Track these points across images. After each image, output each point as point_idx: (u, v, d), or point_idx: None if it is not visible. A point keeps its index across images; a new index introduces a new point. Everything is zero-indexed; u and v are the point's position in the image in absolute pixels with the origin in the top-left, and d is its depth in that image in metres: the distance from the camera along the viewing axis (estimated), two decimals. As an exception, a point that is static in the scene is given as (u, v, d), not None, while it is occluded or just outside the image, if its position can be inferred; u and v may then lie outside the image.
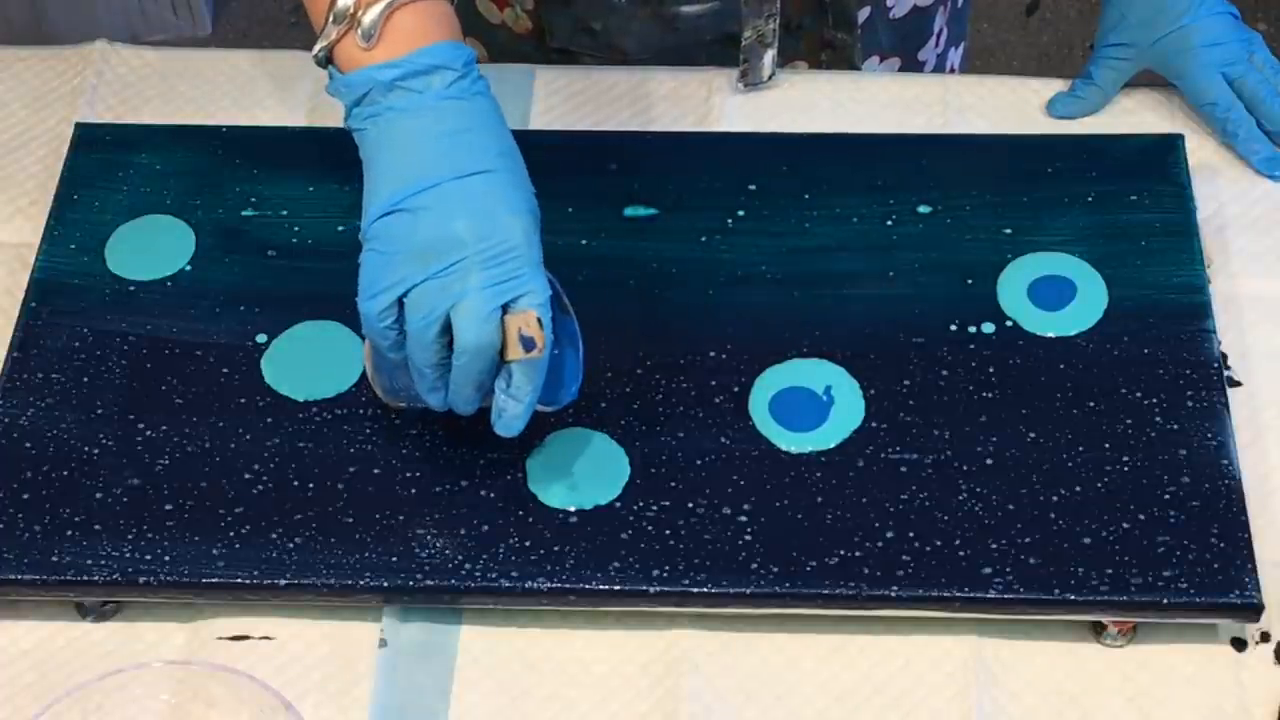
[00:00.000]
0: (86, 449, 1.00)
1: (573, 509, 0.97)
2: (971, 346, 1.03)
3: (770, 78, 1.18)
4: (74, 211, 1.10)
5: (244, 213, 1.09)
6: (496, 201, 0.92)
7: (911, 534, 0.96)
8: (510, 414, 0.93)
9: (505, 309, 0.90)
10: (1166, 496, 0.96)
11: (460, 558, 0.95)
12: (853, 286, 1.06)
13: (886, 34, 1.26)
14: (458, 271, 0.90)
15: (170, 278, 1.07)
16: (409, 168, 0.92)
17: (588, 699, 0.94)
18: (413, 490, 0.98)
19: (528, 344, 0.90)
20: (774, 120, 1.16)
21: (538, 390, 0.92)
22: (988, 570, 0.94)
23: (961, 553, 0.95)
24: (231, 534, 0.96)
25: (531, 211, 0.93)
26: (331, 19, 0.93)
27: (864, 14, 1.24)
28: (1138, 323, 1.03)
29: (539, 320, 0.90)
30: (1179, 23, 1.13)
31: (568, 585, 0.94)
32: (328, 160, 1.12)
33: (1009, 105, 1.17)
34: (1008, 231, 1.08)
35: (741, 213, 1.09)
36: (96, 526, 0.97)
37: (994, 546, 0.95)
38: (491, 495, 0.97)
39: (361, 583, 0.95)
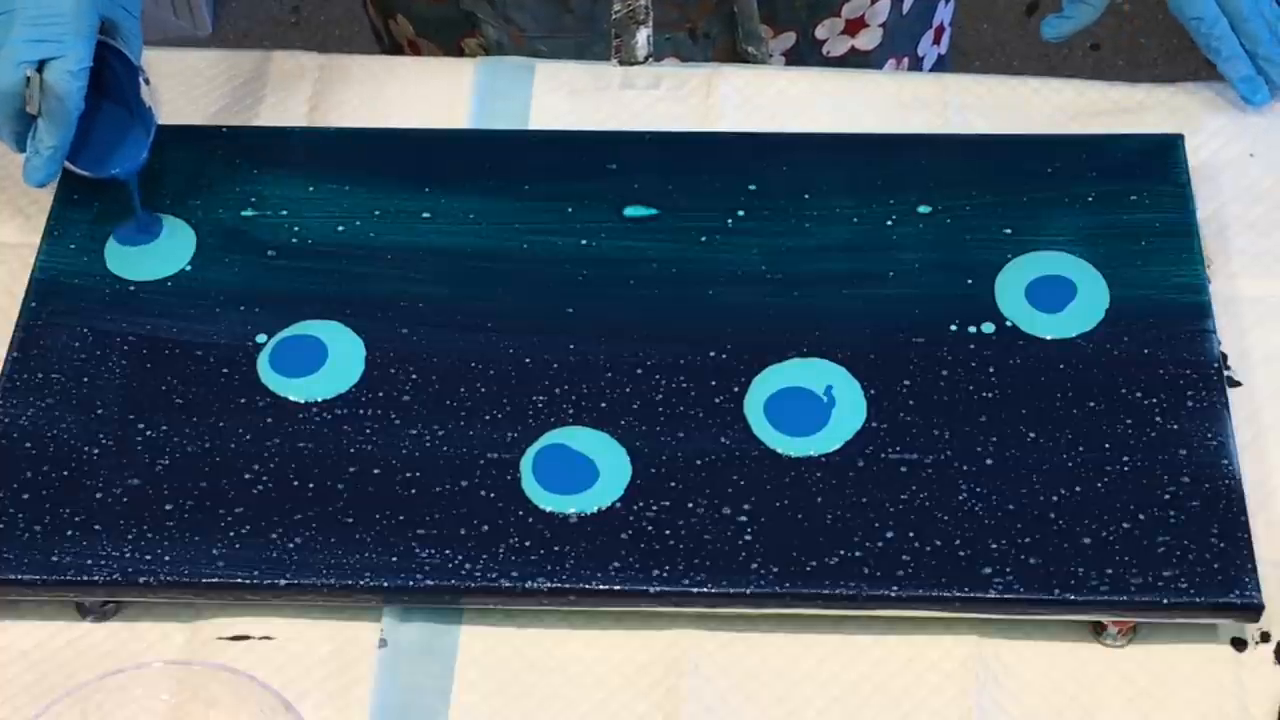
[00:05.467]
0: (86, 449, 1.00)
1: (573, 510, 0.97)
2: (972, 346, 1.03)
3: (646, 59, 1.18)
4: (74, 211, 1.10)
5: (244, 213, 1.09)
6: None
7: (911, 534, 0.96)
8: (32, 164, 1.04)
9: (42, 68, 1.01)
10: (1166, 496, 0.96)
11: (460, 558, 0.95)
12: (853, 286, 1.06)
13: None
14: (3, 25, 1.02)
15: (170, 278, 1.07)
16: None
17: (588, 699, 0.94)
18: (413, 490, 0.98)
19: (50, 99, 1.01)
20: (774, 120, 1.16)
21: (61, 148, 1.03)
22: (988, 570, 0.94)
23: (961, 553, 0.95)
24: (231, 534, 0.96)
25: None
26: None
27: (786, 41, 1.25)
28: (1138, 323, 1.03)
29: (67, 81, 1.00)
30: None
31: (568, 585, 0.94)
32: (328, 160, 1.12)
33: (1009, 105, 1.17)
34: (1008, 231, 1.08)
35: (741, 213, 1.09)
36: (96, 526, 0.97)
37: (994, 546, 0.95)
38: (492, 495, 0.97)
39: (361, 583, 0.95)
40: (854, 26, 1.27)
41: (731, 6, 1.22)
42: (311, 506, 0.97)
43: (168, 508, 0.97)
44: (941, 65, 1.37)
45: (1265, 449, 1.02)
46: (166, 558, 0.95)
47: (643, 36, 1.17)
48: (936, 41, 1.35)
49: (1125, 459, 0.98)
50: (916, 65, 1.33)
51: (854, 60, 1.28)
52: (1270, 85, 1.14)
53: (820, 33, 1.26)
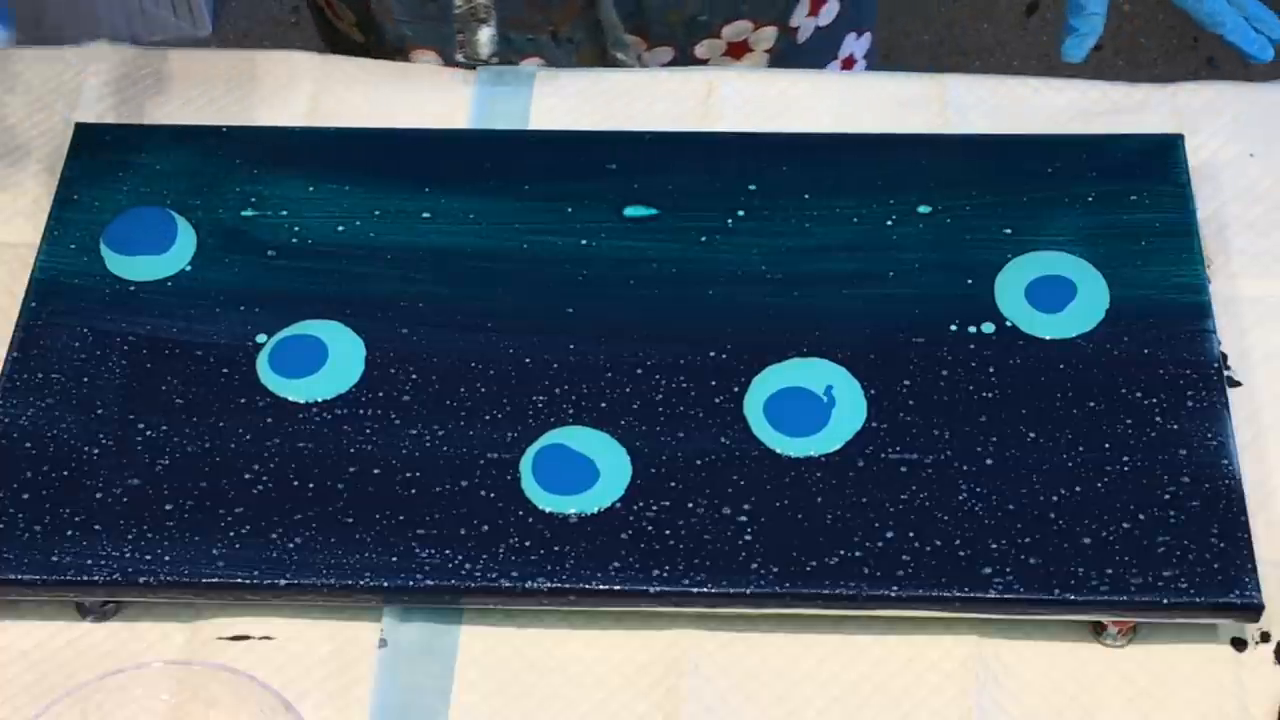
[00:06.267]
0: (86, 449, 1.00)
1: (573, 510, 0.97)
2: (972, 346, 1.03)
3: (492, 57, 1.17)
4: (74, 211, 1.10)
5: (244, 213, 1.09)
6: None
7: (911, 534, 0.96)
8: None
9: None
10: (1166, 496, 0.96)
11: (460, 558, 0.95)
12: (853, 286, 1.06)
13: None
14: None
15: (170, 278, 1.07)
16: None
17: (588, 699, 0.94)
18: (413, 490, 0.98)
19: None
20: (774, 120, 1.16)
21: None
22: (988, 570, 0.94)
23: (961, 553, 0.95)
24: (231, 534, 0.96)
25: None
26: None
27: (663, 56, 1.25)
28: (1138, 323, 1.03)
29: None
30: None
31: (568, 585, 0.94)
32: (328, 160, 1.12)
33: (1009, 105, 1.17)
34: (1008, 231, 1.08)
35: (741, 213, 1.09)
36: (96, 526, 0.97)
37: (994, 546, 0.95)
38: (492, 495, 0.97)
39: (361, 583, 0.95)
40: (737, 50, 1.26)
41: (596, 14, 1.22)
42: (311, 506, 0.97)
43: (168, 508, 0.97)
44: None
45: (1265, 449, 1.02)
46: (166, 558, 0.95)
47: (485, 35, 1.16)
48: (848, 67, 1.34)
49: (1125, 459, 0.98)
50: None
51: None
52: (1271, 42, 1.12)
53: (700, 52, 1.26)
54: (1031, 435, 0.99)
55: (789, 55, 1.28)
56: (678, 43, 1.25)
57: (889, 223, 1.08)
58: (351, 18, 1.31)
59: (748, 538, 0.96)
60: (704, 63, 1.27)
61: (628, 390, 1.01)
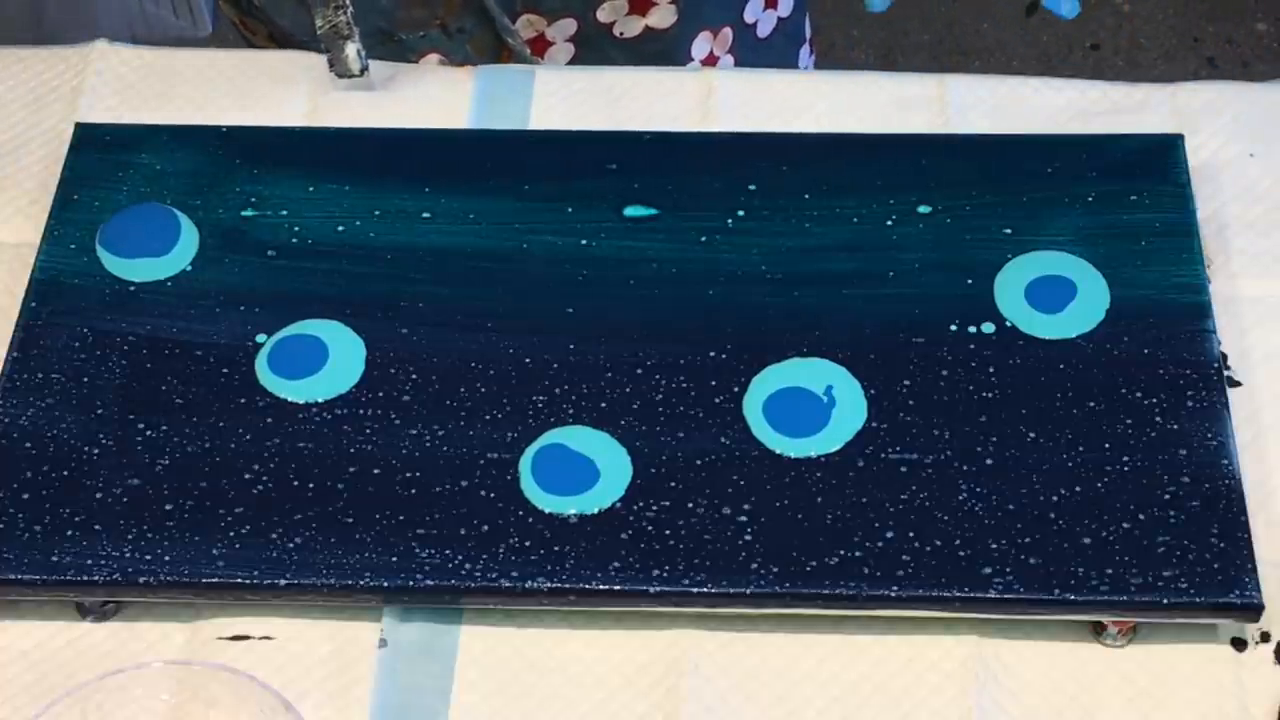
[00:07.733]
0: (86, 449, 1.00)
1: (573, 511, 0.97)
2: (972, 346, 1.03)
3: (364, 71, 1.17)
4: (74, 211, 1.10)
5: (244, 213, 1.09)
6: None
7: (911, 534, 0.96)
8: None
9: None
10: (1166, 496, 0.96)
11: (460, 558, 0.95)
12: (853, 286, 1.06)
13: (620, 54, 1.26)
14: None
15: (170, 278, 1.07)
16: None
17: (588, 699, 0.94)
18: (413, 490, 0.98)
19: None
20: (774, 120, 1.16)
21: None
22: (988, 570, 0.94)
23: (961, 553, 0.95)
24: (231, 534, 0.96)
25: None
26: None
27: (566, 28, 1.24)
28: (1138, 323, 1.03)
29: None
30: None
31: (568, 585, 0.94)
32: (328, 160, 1.12)
33: (1009, 105, 1.17)
34: (1007, 231, 1.08)
35: (741, 213, 1.09)
36: (96, 526, 0.97)
37: (994, 546, 0.95)
38: (492, 495, 0.97)
39: (361, 583, 0.95)
40: (642, 5, 1.25)
41: (480, 1, 1.22)
42: (311, 506, 0.97)
43: (168, 508, 0.97)
44: (790, 28, 1.34)
45: (1265, 449, 1.02)
46: (166, 558, 0.95)
47: (352, 50, 1.16)
48: (771, 5, 1.32)
49: (1125, 459, 0.98)
50: (746, 32, 1.30)
51: (653, 39, 1.26)
52: None
53: (603, 16, 1.25)
54: (1031, 435, 0.99)
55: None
56: (576, 13, 1.24)
57: (889, 223, 1.08)
58: (264, 31, 1.31)
59: (748, 538, 0.96)
60: (609, 26, 1.25)
61: (628, 390, 1.01)
